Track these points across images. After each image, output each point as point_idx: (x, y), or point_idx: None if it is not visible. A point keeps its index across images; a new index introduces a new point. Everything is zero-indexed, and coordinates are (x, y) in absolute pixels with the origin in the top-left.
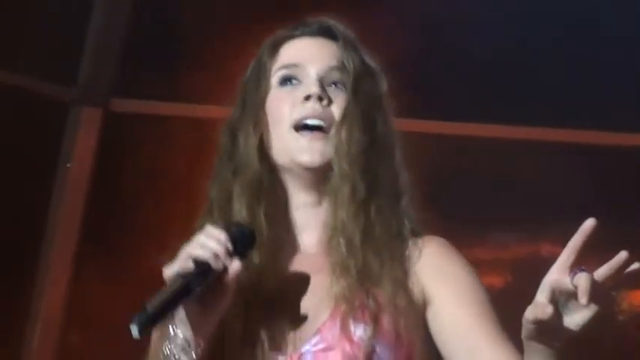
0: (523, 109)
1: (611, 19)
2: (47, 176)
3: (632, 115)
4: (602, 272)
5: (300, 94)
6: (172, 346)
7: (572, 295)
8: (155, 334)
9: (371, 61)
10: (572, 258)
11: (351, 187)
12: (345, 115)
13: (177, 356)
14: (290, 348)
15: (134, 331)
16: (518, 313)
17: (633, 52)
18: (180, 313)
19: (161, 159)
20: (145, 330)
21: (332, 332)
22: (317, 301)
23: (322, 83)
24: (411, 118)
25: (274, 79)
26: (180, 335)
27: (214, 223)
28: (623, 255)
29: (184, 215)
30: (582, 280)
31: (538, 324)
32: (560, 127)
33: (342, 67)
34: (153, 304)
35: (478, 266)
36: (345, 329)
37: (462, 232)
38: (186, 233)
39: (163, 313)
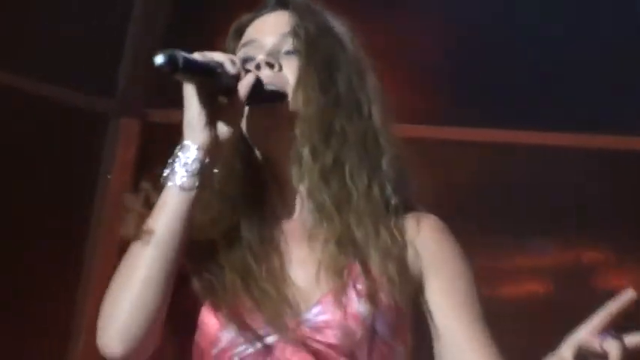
0: (561, 116)
1: None
2: (88, 188)
3: None
4: (633, 341)
5: (251, 66)
6: (181, 156)
7: (599, 357)
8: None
9: (335, 23)
10: (604, 322)
11: (311, 148)
12: (299, 78)
13: (182, 162)
14: (288, 314)
15: (159, 59)
16: (559, 320)
17: None
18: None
19: None
20: (170, 62)
21: (332, 305)
22: (313, 272)
23: (277, 52)
24: (446, 125)
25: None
26: (190, 144)
27: None
28: None
29: None
30: (614, 349)
31: None
32: (598, 134)
33: (295, 33)
34: (184, 54)
35: (519, 274)
36: (341, 304)
37: (502, 240)
38: None
39: (189, 66)
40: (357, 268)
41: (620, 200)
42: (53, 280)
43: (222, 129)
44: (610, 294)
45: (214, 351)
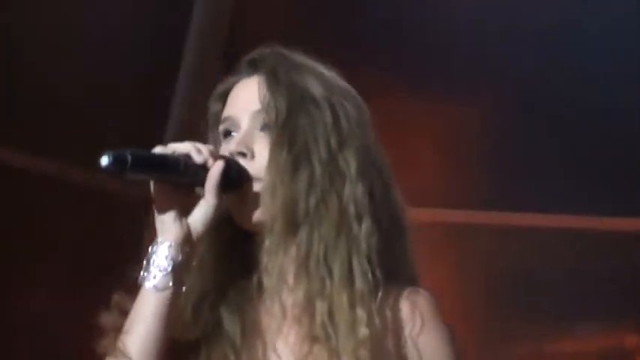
0: (600, 201)
1: None
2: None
3: None
4: None
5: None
6: (153, 255)
7: None
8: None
9: (314, 85)
10: None
11: (277, 239)
12: (269, 160)
13: (155, 261)
14: None
15: (104, 160)
16: None
17: None
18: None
19: None
20: (116, 163)
21: None
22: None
23: (251, 132)
24: (488, 210)
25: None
26: (162, 242)
27: None
28: None
29: None
30: None
31: None
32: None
33: (265, 111)
34: (134, 151)
35: (563, 359)
36: None
37: (547, 325)
38: None
39: (140, 164)
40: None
41: None
42: None
43: (196, 222)
44: None
45: None
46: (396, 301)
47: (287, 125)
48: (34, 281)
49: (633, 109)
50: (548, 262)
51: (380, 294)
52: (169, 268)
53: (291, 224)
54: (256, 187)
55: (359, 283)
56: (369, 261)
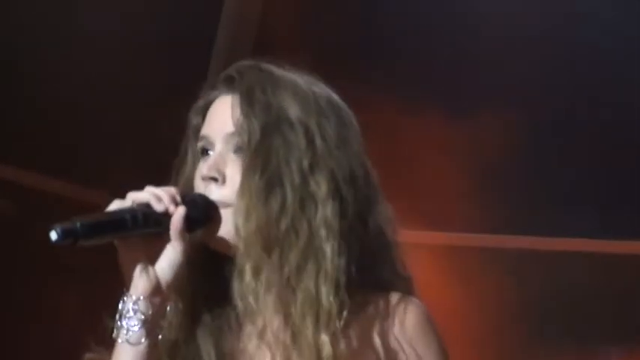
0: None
1: None
2: None
3: None
4: None
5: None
6: (124, 310)
7: None
8: None
9: (291, 105)
10: None
11: (252, 267)
12: (241, 185)
13: (125, 317)
14: None
15: (53, 235)
16: None
17: None
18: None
19: None
20: (66, 236)
21: None
22: None
23: (225, 155)
24: (516, 234)
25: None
26: (131, 296)
27: None
28: None
29: None
30: None
31: None
32: None
33: (240, 131)
34: (82, 219)
35: None
36: None
37: (564, 347)
38: None
39: (91, 231)
40: None
41: None
42: None
43: (163, 269)
44: None
45: None
46: (382, 311)
47: (260, 148)
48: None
49: None
50: (568, 283)
51: (345, 313)
52: (140, 323)
53: (266, 248)
54: (228, 211)
55: (325, 304)
56: (337, 283)
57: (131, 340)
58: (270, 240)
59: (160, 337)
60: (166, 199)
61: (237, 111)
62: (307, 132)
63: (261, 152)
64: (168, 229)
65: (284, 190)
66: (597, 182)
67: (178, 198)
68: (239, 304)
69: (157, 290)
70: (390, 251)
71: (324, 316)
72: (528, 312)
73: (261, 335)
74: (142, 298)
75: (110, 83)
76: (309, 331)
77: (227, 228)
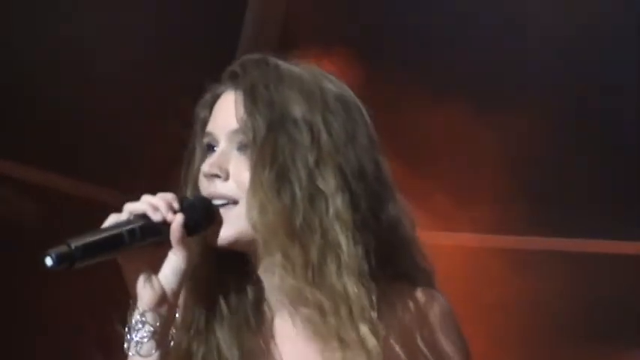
0: None
1: None
2: None
3: None
4: None
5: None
6: (132, 324)
7: None
8: None
9: (295, 102)
10: None
11: (283, 254)
12: (251, 181)
13: (134, 330)
14: None
15: (48, 261)
16: None
17: None
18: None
19: None
20: (61, 263)
21: None
22: None
23: (228, 153)
24: (538, 235)
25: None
26: (137, 309)
27: None
28: None
29: None
30: None
31: None
32: None
33: (244, 129)
34: (77, 241)
35: None
36: None
37: (595, 350)
38: None
39: (87, 252)
40: None
41: None
42: None
43: (167, 277)
44: None
45: None
46: (405, 303)
47: (266, 144)
48: None
49: None
50: (597, 286)
51: (374, 298)
52: (150, 335)
53: (289, 235)
54: (238, 209)
55: (353, 297)
56: (359, 271)
57: (142, 353)
58: (291, 228)
59: (172, 344)
60: (163, 208)
61: (241, 108)
62: (312, 128)
63: (267, 148)
64: (168, 237)
65: (292, 187)
66: (630, 185)
67: (176, 204)
68: (269, 299)
69: (162, 300)
70: (409, 245)
71: (357, 307)
72: (553, 312)
73: (294, 332)
74: (148, 310)
75: (128, 87)
76: (346, 326)
77: (240, 225)
